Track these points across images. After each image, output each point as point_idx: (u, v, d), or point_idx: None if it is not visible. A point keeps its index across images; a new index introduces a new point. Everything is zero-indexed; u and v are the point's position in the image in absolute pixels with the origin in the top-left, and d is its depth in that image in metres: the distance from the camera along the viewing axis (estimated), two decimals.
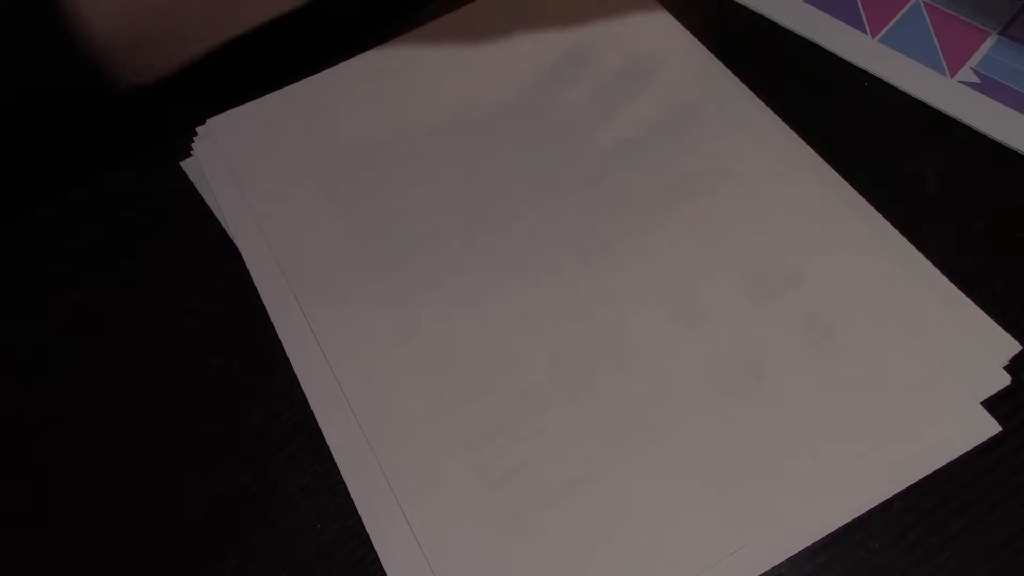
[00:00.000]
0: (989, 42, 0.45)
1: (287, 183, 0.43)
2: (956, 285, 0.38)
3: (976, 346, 0.36)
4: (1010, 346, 0.36)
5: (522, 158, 0.42)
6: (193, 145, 0.44)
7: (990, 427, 0.35)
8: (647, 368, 0.36)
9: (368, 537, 0.34)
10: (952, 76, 0.44)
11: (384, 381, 0.37)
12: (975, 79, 0.44)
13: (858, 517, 0.33)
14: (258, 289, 0.40)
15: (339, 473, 0.35)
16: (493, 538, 0.33)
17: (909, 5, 0.47)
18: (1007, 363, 0.36)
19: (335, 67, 0.46)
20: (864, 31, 0.46)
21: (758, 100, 0.43)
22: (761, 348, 0.36)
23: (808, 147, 0.42)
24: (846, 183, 0.40)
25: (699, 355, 0.36)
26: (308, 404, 0.37)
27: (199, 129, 0.44)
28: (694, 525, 0.33)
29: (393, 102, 0.45)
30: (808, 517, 0.33)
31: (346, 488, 0.35)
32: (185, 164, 0.44)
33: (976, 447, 0.34)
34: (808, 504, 0.33)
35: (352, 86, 0.45)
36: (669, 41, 0.46)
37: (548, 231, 0.40)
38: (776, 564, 0.33)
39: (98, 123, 0.49)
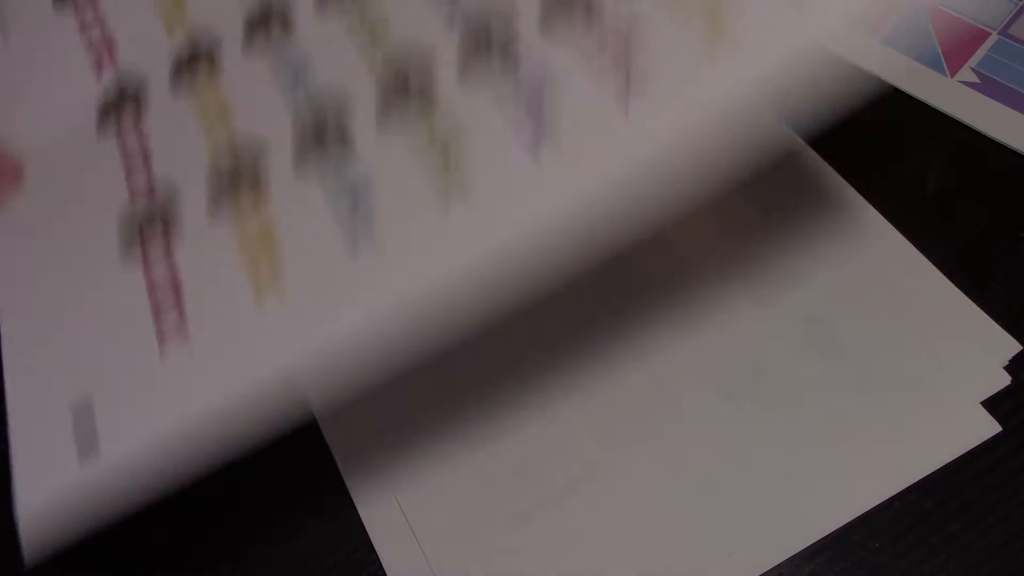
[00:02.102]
0: (989, 42, 0.45)
1: None
2: (956, 285, 0.38)
3: (976, 346, 0.36)
4: (1010, 346, 0.36)
5: None
6: None
7: (990, 427, 0.35)
8: (647, 369, 0.36)
9: (368, 537, 0.34)
10: (952, 76, 0.44)
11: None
12: (975, 79, 0.44)
13: (858, 517, 0.33)
14: None
15: (340, 474, 0.35)
16: (492, 538, 0.33)
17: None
18: (1007, 363, 0.36)
19: None
20: (864, 31, 0.46)
21: None
22: (761, 348, 0.36)
23: (808, 147, 0.42)
24: (846, 183, 0.40)
25: (699, 355, 0.36)
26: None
27: None
28: (693, 525, 0.33)
29: None
30: (807, 517, 0.33)
31: (347, 489, 0.35)
32: None
33: (976, 447, 0.34)
34: (808, 504, 0.33)
35: None
36: None
37: None
38: (775, 564, 0.33)
39: None
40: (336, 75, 0.30)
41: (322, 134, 0.29)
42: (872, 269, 0.38)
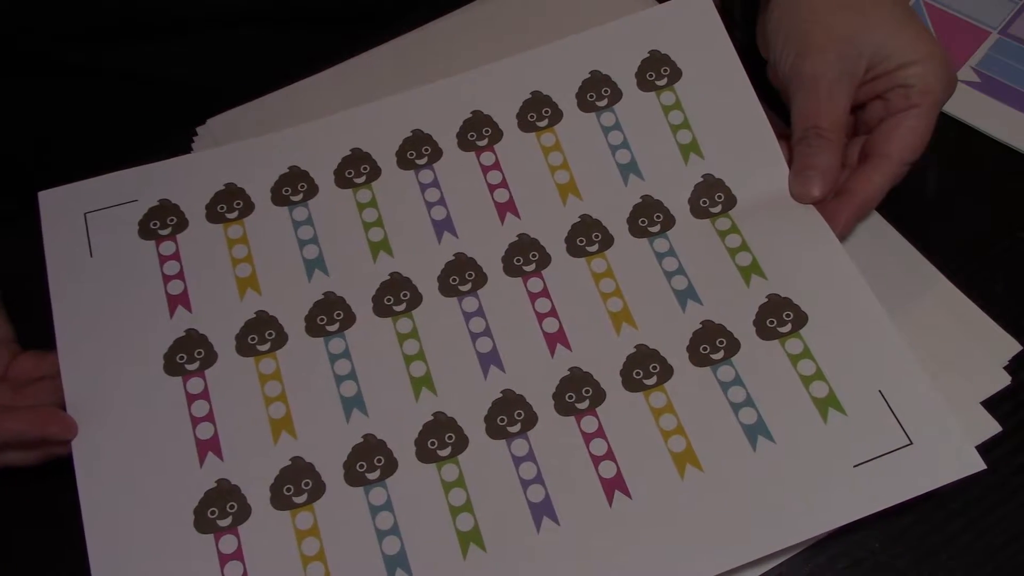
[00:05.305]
0: (989, 42, 0.45)
1: None
2: (956, 285, 0.38)
3: (976, 346, 0.36)
4: (1010, 346, 0.36)
5: None
6: (193, 145, 0.44)
7: (990, 427, 0.35)
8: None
9: None
10: None
11: None
12: (975, 79, 0.44)
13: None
14: None
15: None
16: None
17: (909, 5, 0.47)
18: (1007, 363, 0.36)
19: (335, 67, 0.46)
20: None
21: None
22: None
23: None
24: None
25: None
26: None
27: (199, 129, 0.44)
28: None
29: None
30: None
31: None
32: None
33: (976, 447, 0.34)
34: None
35: (352, 86, 0.45)
36: None
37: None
38: (776, 563, 0.33)
39: (99, 122, 0.49)
40: None
41: None
42: (872, 269, 0.38)
